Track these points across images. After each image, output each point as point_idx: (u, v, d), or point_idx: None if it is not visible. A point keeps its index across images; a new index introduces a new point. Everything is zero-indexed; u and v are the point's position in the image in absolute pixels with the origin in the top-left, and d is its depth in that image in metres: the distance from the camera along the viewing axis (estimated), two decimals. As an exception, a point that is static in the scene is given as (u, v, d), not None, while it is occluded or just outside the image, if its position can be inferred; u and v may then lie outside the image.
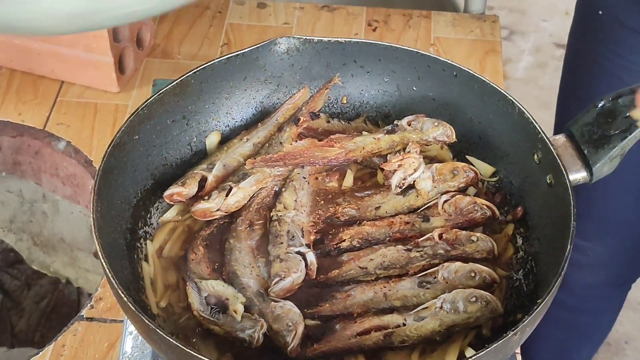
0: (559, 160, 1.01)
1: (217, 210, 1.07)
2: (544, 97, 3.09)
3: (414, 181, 1.08)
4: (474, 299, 0.95)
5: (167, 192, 1.08)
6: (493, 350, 0.85)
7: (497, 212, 1.07)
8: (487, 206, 1.06)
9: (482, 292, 0.96)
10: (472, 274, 0.99)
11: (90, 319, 1.21)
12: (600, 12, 1.39)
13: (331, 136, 1.13)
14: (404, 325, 0.95)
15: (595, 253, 1.62)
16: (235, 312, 0.94)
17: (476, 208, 1.06)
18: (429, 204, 1.08)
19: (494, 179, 1.14)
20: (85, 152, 1.43)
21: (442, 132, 1.12)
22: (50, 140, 1.46)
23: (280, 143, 1.14)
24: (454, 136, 1.12)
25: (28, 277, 2.04)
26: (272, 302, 0.96)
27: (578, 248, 1.57)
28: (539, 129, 1.05)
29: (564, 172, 1.00)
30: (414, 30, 1.65)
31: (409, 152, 1.09)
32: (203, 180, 1.10)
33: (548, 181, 1.03)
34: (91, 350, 1.17)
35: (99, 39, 1.43)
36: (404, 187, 1.08)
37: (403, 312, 0.97)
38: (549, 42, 3.35)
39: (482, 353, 0.84)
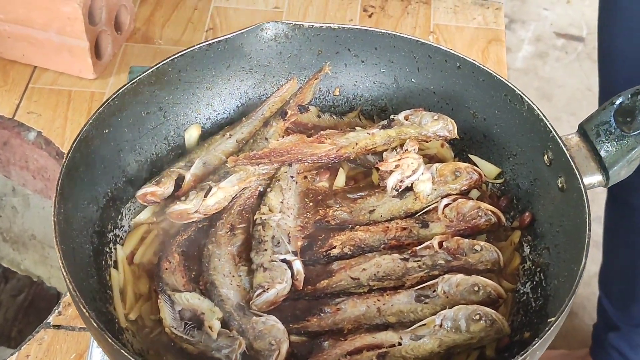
0: (572, 162, 0.92)
1: (195, 212, 0.97)
2: (544, 89, 3.00)
3: (412, 183, 0.99)
4: (477, 317, 0.86)
5: (139, 192, 0.99)
6: (498, 376, 0.77)
7: (503, 218, 0.98)
8: (492, 212, 0.97)
9: (486, 309, 0.87)
10: (476, 288, 0.89)
11: (58, 327, 1.11)
12: None
13: (321, 132, 1.03)
14: (400, 344, 0.86)
15: None
16: (211, 329, 0.85)
17: (480, 214, 0.97)
18: (428, 208, 0.99)
19: (500, 180, 1.05)
20: (57, 143, 1.33)
21: (442, 126, 1.02)
22: (19, 130, 1.36)
23: (266, 139, 1.04)
24: (456, 131, 1.03)
25: (5, 270, 1.95)
26: (254, 317, 0.87)
27: None
28: (550, 127, 0.96)
29: (578, 175, 0.91)
30: (412, 17, 1.56)
31: (406, 150, 0.99)
32: (180, 179, 1.01)
33: (559, 185, 0.95)
34: (57, 362, 1.08)
35: (73, 21, 1.34)
36: (400, 190, 0.99)
37: (398, 329, 0.88)
38: (550, 31, 3.26)
39: (486, 380, 0.76)
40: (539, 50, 3.17)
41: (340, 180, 1.04)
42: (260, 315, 0.87)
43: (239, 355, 0.84)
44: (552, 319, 0.81)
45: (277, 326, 0.86)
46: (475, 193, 1.03)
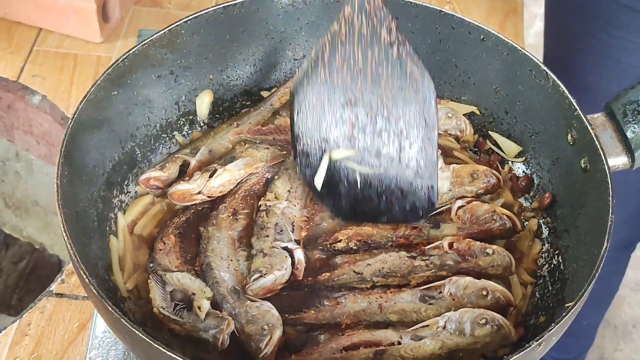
0: (596, 142, 0.88)
1: (199, 193, 0.93)
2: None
3: None
4: (483, 321, 0.81)
5: (143, 176, 0.95)
6: (512, 362, 0.73)
7: (519, 224, 0.93)
8: (507, 216, 0.92)
9: (494, 314, 0.83)
10: (484, 292, 0.85)
11: (61, 295, 1.08)
12: None
13: None
14: (399, 344, 0.81)
15: None
16: (200, 309, 0.81)
17: (495, 217, 0.92)
18: (441, 209, 0.93)
19: (520, 159, 1.01)
20: (62, 107, 1.30)
21: (454, 125, 0.99)
22: (24, 94, 1.33)
23: None
24: (468, 132, 1.00)
25: (6, 236, 1.93)
26: (248, 302, 0.83)
27: None
28: (575, 105, 0.92)
29: (602, 156, 0.87)
30: (429, -13, 1.51)
31: None
32: (185, 165, 0.96)
33: (582, 165, 0.91)
34: (60, 330, 1.05)
35: (81, -19, 1.30)
36: None
37: (399, 329, 0.83)
38: (564, 11, 3.21)
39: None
40: (551, 27, 3.11)
41: None
42: (255, 301, 0.83)
43: (226, 336, 0.80)
44: (570, 303, 0.78)
45: (272, 312, 0.82)
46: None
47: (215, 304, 0.84)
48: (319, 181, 0.86)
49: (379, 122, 0.84)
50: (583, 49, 1.35)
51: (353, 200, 0.87)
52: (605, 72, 1.33)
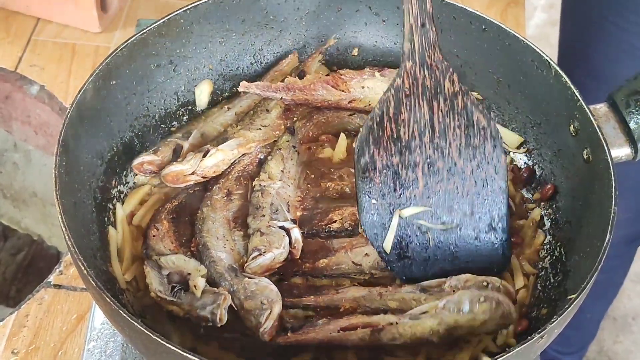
0: (599, 133, 0.88)
1: (192, 173, 0.92)
2: (557, 57, 2.94)
3: None
4: (482, 299, 0.81)
5: (136, 161, 0.94)
6: (514, 355, 0.72)
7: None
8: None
9: (493, 293, 0.82)
10: (485, 284, 0.84)
11: (59, 287, 1.08)
12: None
13: (339, 71, 0.98)
14: (397, 323, 0.81)
15: None
16: (195, 288, 0.81)
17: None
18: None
19: (522, 150, 1.00)
20: (61, 98, 1.29)
21: None
22: (22, 84, 1.32)
23: (267, 110, 0.99)
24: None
25: (5, 228, 1.92)
26: (246, 278, 0.83)
27: None
28: (578, 96, 0.91)
29: (605, 147, 0.87)
30: (431, -20, 1.50)
31: None
32: (178, 149, 0.96)
33: (585, 156, 0.90)
34: (58, 322, 1.04)
35: (79, -29, 1.29)
36: None
37: (398, 314, 0.82)
38: None
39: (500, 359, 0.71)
40: (552, 18, 3.08)
41: (342, 146, 0.99)
42: (252, 277, 0.83)
43: (224, 310, 0.80)
44: (572, 296, 0.77)
45: (270, 287, 0.82)
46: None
47: (213, 283, 0.83)
48: (388, 244, 0.84)
49: (450, 176, 0.82)
50: (598, 33, 1.34)
51: (424, 262, 0.84)
52: (620, 58, 1.32)
